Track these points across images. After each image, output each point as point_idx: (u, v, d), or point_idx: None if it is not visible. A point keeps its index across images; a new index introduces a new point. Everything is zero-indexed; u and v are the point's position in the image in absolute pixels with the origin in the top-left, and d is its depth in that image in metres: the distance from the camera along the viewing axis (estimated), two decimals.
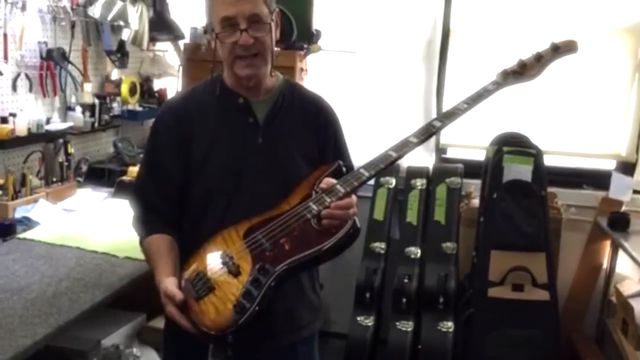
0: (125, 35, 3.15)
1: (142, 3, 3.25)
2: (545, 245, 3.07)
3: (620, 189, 3.28)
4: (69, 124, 2.86)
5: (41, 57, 2.74)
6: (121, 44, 3.19)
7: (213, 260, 1.47)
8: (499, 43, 3.43)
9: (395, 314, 3.13)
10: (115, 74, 3.31)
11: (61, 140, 2.77)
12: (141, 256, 1.65)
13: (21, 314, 1.70)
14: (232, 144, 1.58)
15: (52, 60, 2.77)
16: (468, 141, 3.57)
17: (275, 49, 1.62)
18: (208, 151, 1.58)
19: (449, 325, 3.04)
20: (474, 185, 3.42)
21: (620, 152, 3.46)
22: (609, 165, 3.53)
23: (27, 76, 2.68)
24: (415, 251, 3.25)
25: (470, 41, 3.50)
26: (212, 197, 1.58)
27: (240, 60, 1.53)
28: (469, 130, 3.45)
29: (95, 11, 2.87)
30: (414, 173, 3.42)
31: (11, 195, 2.48)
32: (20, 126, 2.60)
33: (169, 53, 3.69)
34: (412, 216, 3.33)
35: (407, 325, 3.08)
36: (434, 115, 3.50)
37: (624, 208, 3.26)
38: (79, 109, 2.94)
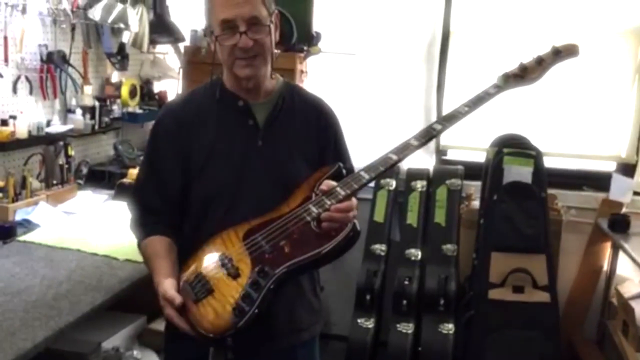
0: (126, 37, 3.15)
1: (143, 5, 3.25)
2: (545, 247, 3.08)
3: (621, 191, 3.28)
4: (69, 126, 2.86)
5: (41, 59, 2.74)
6: (121, 47, 3.19)
7: (212, 262, 1.46)
8: (499, 45, 3.43)
9: (396, 316, 3.13)
10: (115, 77, 3.31)
11: (61, 143, 2.77)
12: (141, 259, 1.65)
13: (21, 316, 1.69)
14: (232, 146, 1.58)
15: (53, 62, 2.77)
16: (468, 143, 3.57)
17: (275, 51, 1.62)
18: (208, 154, 1.58)
19: (449, 327, 3.03)
20: (474, 187, 3.42)
21: (621, 154, 3.46)
22: (609, 166, 3.53)
23: (27, 79, 2.69)
24: (415, 253, 3.25)
25: (470, 43, 3.50)
26: (212, 199, 1.57)
27: (240, 60, 1.53)
28: (469, 132, 3.45)
29: (95, 14, 2.88)
30: (414, 175, 3.42)
31: (11, 198, 2.48)
32: (21, 129, 2.61)
33: (169, 55, 3.69)
34: (412, 218, 3.33)
35: (407, 327, 3.08)
36: (434, 117, 3.50)
37: (624, 209, 3.26)
38: (79, 111, 2.94)
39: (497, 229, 3.09)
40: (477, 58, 3.47)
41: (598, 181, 3.46)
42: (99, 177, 3.08)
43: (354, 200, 1.48)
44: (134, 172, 2.85)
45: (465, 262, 3.29)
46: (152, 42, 3.40)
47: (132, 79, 3.38)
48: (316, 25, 3.38)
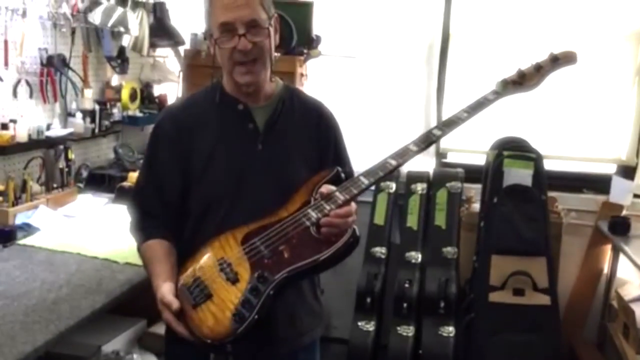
0: (126, 41, 3.15)
1: (143, 9, 3.26)
2: (545, 249, 3.08)
3: (621, 193, 3.28)
4: (70, 130, 2.86)
5: (42, 63, 2.74)
6: (121, 50, 3.20)
7: (210, 266, 1.46)
8: (499, 47, 3.43)
9: (396, 319, 3.13)
10: (115, 80, 3.31)
11: (61, 146, 2.77)
12: (141, 262, 1.65)
13: (22, 320, 1.69)
14: (232, 150, 1.58)
15: (53, 66, 2.77)
16: (468, 146, 3.57)
17: (275, 54, 1.62)
18: (208, 158, 1.57)
19: (449, 330, 3.03)
20: (474, 190, 3.43)
21: (621, 156, 3.46)
22: (610, 169, 3.53)
23: (27, 82, 2.69)
24: (415, 256, 3.25)
25: (470, 46, 3.51)
26: (212, 203, 1.57)
27: (240, 66, 1.53)
28: (469, 135, 3.45)
29: (95, 17, 2.88)
30: (415, 178, 3.42)
31: (11, 202, 2.48)
32: (21, 132, 2.60)
33: (169, 59, 3.69)
34: (412, 221, 3.33)
35: (408, 330, 3.07)
36: (433, 119, 3.51)
37: (624, 212, 3.26)
38: (79, 115, 2.94)
39: (498, 231, 3.09)
40: (477, 61, 3.47)
41: (598, 184, 3.46)
42: (99, 181, 3.08)
43: (353, 205, 1.48)
44: (134, 176, 2.85)
45: (466, 264, 3.29)
46: (152, 45, 3.40)
47: (132, 82, 3.38)
48: (316, 29, 3.38)
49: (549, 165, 3.20)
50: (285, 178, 1.57)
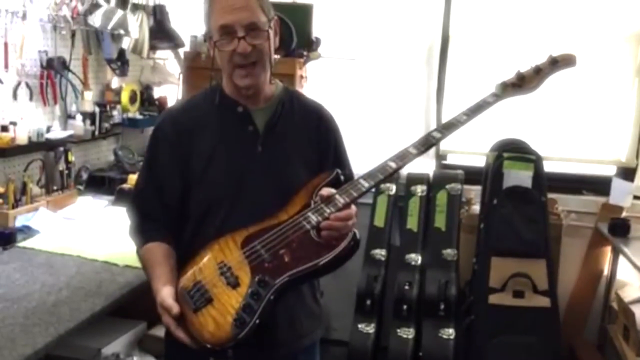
0: (126, 43, 3.16)
1: (143, 12, 3.26)
2: (545, 251, 3.08)
3: (621, 195, 3.29)
4: (70, 132, 2.87)
5: (42, 65, 2.74)
6: (121, 53, 3.20)
7: (211, 270, 1.45)
8: (499, 49, 3.43)
9: (396, 321, 3.13)
10: (115, 82, 3.32)
11: (62, 149, 2.77)
12: (141, 264, 1.65)
13: (22, 322, 1.70)
14: (231, 152, 1.58)
15: (53, 69, 2.78)
16: (468, 147, 3.57)
17: (275, 56, 1.62)
18: (208, 160, 1.57)
19: (449, 332, 3.03)
20: (474, 192, 3.43)
21: (621, 158, 3.46)
22: (609, 171, 3.53)
23: (27, 85, 2.69)
24: (415, 258, 3.25)
25: (470, 47, 3.51)
26: (212, 205, 1.57)
27: (239, 69, 1.53)
28: (469, 137, 3.45)
29: (95, 20, 2.88)
30: (414, 179, 3.42)
31: (12, 204, 2.49)
32: (21, 135, 2.61)
33: (169, 61, 3.70)
34: (412, 223, 3.33)
35: (407, 332, 3.07)
36: (433, 121, 3.51)
37: (624, 214, 3.26)
38: (79, 117, 2.95)
39: (497, 233, 3.09)
40: (477, 63, 3.48)
41: (598, 185, 3.46)
42: (99, 183, 3.09)
43: (353, 208, 1.47)
44: (134, 178, 2.85)
45: (466, 266, 3.29)
46: (152, 48, 3.41)
47: (132, 84, 3.39)
48: (316, 31, 3.38)
49: (548, 166, 3.20)
50: (285, 180, 1.57)
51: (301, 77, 3.31)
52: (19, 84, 2.66)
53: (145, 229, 1.61)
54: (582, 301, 3.43)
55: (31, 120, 2.70)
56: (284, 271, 1.41)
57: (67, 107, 2.95)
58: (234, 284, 1.42)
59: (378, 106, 3.60)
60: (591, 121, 3.46)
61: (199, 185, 1.58)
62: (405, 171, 3.43)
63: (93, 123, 3.04)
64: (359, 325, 3.13)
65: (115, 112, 3.23)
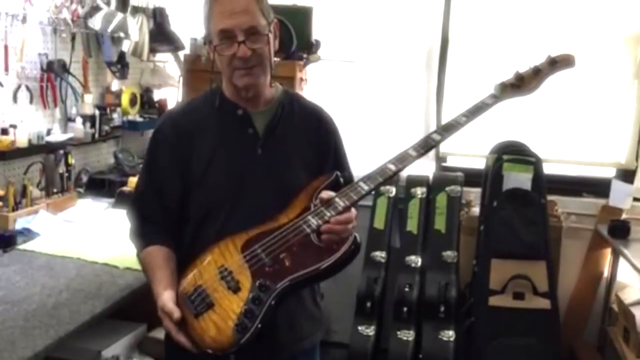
0: (126, 46, 3.16)
1: (143, 15, 3.27)
2: (545, 253, 3.08)
3: (620, 197, 3.29)
4: (70, 135, 2.87)
5: (42, 68, 2.75)
6: (121, 55, 3.20)
7: (211, 274, 1.45)
8: (498, 51, 3.44)
9: (396, 323, 3.13)
10: (115, 85, 3.32)
11: (62, 151, 2.77)
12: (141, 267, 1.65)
13: (22, 325, 1.70)
14: (231, 155, 1.58)
15: (53, 71, 2.78)
16: (468, 150, 3.57)
17: (275, 59, 1.62)
18: (208, 163, 1.57)
19: (450, 335, 3.03)
20: (474, 194, 3.43)
21: (620, 160, 3.46)
22: (609, 172, 3.53)
23: (27, 88, 2.69)
24: (415, 260, 3.25)
25: (469, 50, 3.51)
26: (212, 208, 1.57)
27: (238, 70, 1.53)
28: (469, 139, 3.45)
29: (95, 23, 2.89)
30: (414, 182, 3.42)
31: (12, 207, 2.49)
32: (21, 137, 2.61)
33: (169, 64, 3.70)
34: (412, 225, 3.33)
35: (408, 335, 3.07)
36: (433, 124, 3.52)
37: (624, 216, 3.26)
38: (79, 120, 2.95)
39: (497, 235, 3.09)
40: (476, 65, 3.48)
41: (598, 187, 3.46)
42: (99, 186, 3.09)
43: (353, 211, 1.47)
44: (134, 180, 2.85)
45: (466, 268, 3.29)
46: (152, 50, 3.41)
47: (132, 87, 3.39)
48: (315, 33, 3.39)
49: (548, 169, 3.20)
50: (285, 183, 1.57)
51: (301, 79, 3.31)
52: (19, 86, 2.66)
53: (146, 232, 1.61)
54: (582, 303, 3.43)
55: (31, 123, 2.70)
56: (285, 275, 1.41)
57: (67, 110, 2.95)
58: (235, 289, 1.42)
59: (378, 109, 3.61)
60: (591, 123, 3.46)
61: (199, 188, 1.58)
62: (405, 173, 3.43)
63: (93, 126, 3.04)
64: (359, 328, 3.13)
65: (115, 115, 3.23)
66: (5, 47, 2.55)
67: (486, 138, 3.38)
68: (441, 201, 3.32)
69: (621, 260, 3.19)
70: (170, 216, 1.61)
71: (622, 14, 3.32)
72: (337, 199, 1.46)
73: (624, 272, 3.27)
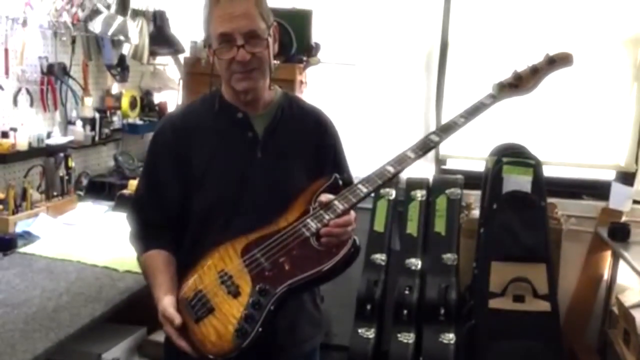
0: (126, 49, 3.17)
1: (143, 18, 3.27)
2: (545, 255, 3.08)
3: (620, 199, 3.29)
4: (70, 138, 2.87)
5: (42, 72, 2.75)
6: (122, 59, 3.21)
7: (211, 279, 1.45)
8: (497, 54, 3.44)
9: (396, 326, 3.13)
10: (115, 88, 3.33)
11: (62, 154, 2.78)
12: (141, 270, 1.65)
13: (22, 328, 1.70)
14: (231, 158, 1.58)
15: (53, 75, 2.78)
16: (467, 152, 3.58)
17: (274, 61, 1.62)
18: (207, 167, 1.57)
19: (450, 337, 3.03)
20: (474, 196, 3.43)
21: (620, 162, 3.47)
22: (609, 175, 3.53)
23: (27, 91, 2.70)
24: (415, 262, 3.25)
25: (468, 53, 3.52)
26: (212, 212, 1.57)
27: (237, 74, 1.53)
28: (469, 141, 3.46)
29: (95, 26, 2.89)
30: (414, 184, 3.42)
31: (12, 210, 2.49)
32: (21, 140, 2.61)
33: (169, 67, 3.71)
34: (412, 227, 3.33)
35: (408, 337, 3.07)
36: (433, 127, 3.51)
37: (624, 218, 3.27)
38: (79, 123, 2.95)
39: (497, 238, 3.09)
40: (476, 68, 3.48)
41: (598, 190, 3.47)
42: (99, 189, 3.09)
43: (352, 213, 1.47)
44: (134, 183, 2.85)
45: (466, 271, 3.29)
46: (152, 53, 3.41)
47: (132, 90, 3.40)
48: (315, 36, 3.39)
49: (548, 171, 3.20)
50: (284, 185, 1.57)
51: (301, 82, 3.31)
52: (19, 90, 2.66)
53: (146, 236, 1.61)
54: (582, 305, 3.43)
55: (31, 126, 2.71)
56: (285, 280, 1.41)
57: (68, 113, 2.95)
58: (235, 293, 1.42)
59: (377, 111, 3.61)
60: (590, 126, 3.46)
61: (199, 191, 1.58)
62: (405, 176, 3.43)
63: (93, 129, 3.04)
64: (359, 330, 3.12)
65: (115, 118, 3.23)
66: (6, 51, 2.55)
67: (486, 140, 3.38)
68: (441, 204, 3.33)
69: (621, 262, 3.19)
70: (170, 220, 1.61)
71: (621, 17, 3.33)
72: (336, 202, 1.46)
73: (624, 274, 3.27)
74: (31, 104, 2.72)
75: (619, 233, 3.13)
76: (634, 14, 3.32)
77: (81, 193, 2.96)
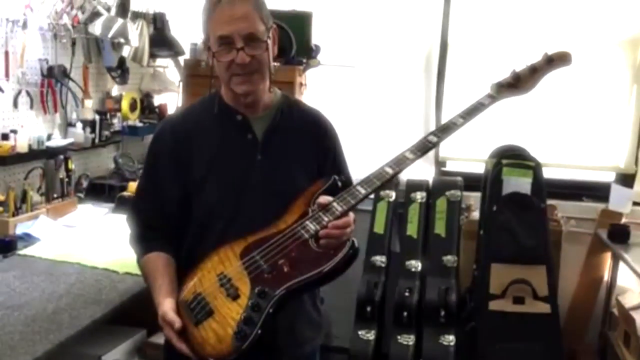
0: (126, 52, 3.17)
1: (143, 20, 3.28)
2: (545, 257, 3.08)
3: (620, 201, 3.29)
4: (70, 140, 2.88)
5: (42, 74, 2.76)
6: (122, 61, 3.22)
7: (210, 282, 1.45)
8: (497, 56, 3.44)
9: (397, 328, 3.12)
10: (115, 90, 3.33)
11: (62, 157, 2.78)
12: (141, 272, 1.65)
13: (21, 330, 1.70)
14: (231, 161, 1.58)
15: (53, 77, 2.79)
16: (467, 154, 3.58)
17: (274, 63, 1.62)
18: (207, 169, 1.57)
19: (450, 339, 3.02)
20: (473, 198, 3.43)
21: (620, 164, 3.47)
22: (609, 177, 3.53)
23: (28, 93, 2.70)
24: (415, 264, 3.25)
25: (468, 54, 3.52)
26: (211, 214, 1.57)
27: (237, 77, 1.53)
28: (468, 143, 3.46)
29: (95, 29, 2.90)
30: (414, 186, 3.42)
31: (12, 212, 2.49)
32: (21, 143, 2.62)
33: (169, 69, 3.71)
34: (412, 229, 3.33)
35: (408, 339, 3.07)
36: (432, 128, 3.51)
37: (624, 220, 3.26)
38: (79, 125, 2.96)
39: (497, 240, 3.09)
40: (475, 70, 3.48)
41: (597, 191, 3.47)
42: (99, 191, 3.09)
43: (351, 215, 1.47)
44: (134, 185, 2.85)
45: (466, 273, 3.29)
46: (152, 56, 3.42)
47: (132, 92, 3.40)
48: (315, 38, 3.40)
49: (548, 173, 3.20)
50: (284, 188, 1.57)
51: (301, 84, 3.32)
52: (19, 92, 2.67)
53: (146, 238, 1.61)
54: (582, 307, 3.43)
55: (32, 128, 2.71)
56: (284, 282, 1.41)
57: (68, 115, 2.96)
58: (234, 296, 1.42)
59: (377, 113, 3.61)
60: (590, 127, 3.46)
61: (199, 193, 1.58)
62: (404, 178, 3.43)
63: (93, 131, 3.05)
64: (360, 332, 3.12)
65: (115, 120, 3.24)
66: (6, 53, 2.56)
67: (485, 142, 3.38)
68: (441, 205, 3.33)
69: (621, 264, 3.18)
70: (170, 222, 1.61)
71: (620, 18, 3.33)
72: (334, 204, 1.46)
73: (624, 276, 3.27)
74: (31, 106, 2.73)
75: (619, 235, 3.13)
76: (633, 15, 3.32)
77: (81, 195, 2.96)
